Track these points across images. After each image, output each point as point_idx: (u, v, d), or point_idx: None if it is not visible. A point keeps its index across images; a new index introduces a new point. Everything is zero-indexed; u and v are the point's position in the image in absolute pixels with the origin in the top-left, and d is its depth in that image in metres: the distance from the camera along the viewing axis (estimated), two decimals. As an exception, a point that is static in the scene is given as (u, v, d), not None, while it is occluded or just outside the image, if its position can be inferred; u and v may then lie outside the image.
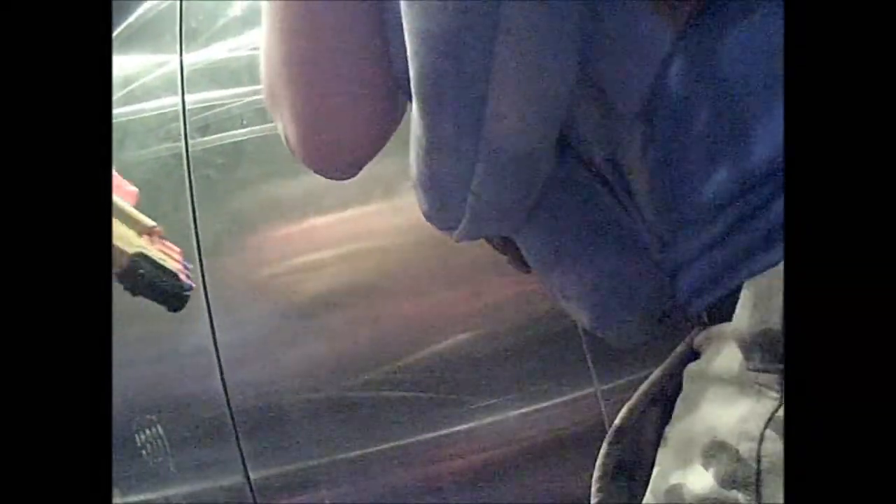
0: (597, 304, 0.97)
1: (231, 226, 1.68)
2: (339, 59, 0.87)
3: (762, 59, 0.73)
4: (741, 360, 0.76)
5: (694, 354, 0.90)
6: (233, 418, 1.65)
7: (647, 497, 0.89)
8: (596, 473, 1.00)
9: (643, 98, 0.80)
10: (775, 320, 0.70)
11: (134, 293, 1.05)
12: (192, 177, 1.69)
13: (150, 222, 1.12)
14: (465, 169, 0.82)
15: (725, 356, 0.80)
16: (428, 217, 0.92)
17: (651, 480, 0.89)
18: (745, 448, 0.73)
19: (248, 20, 1.73)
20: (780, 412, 0.71)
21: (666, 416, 0.92)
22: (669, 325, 0.97)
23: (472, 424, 1.53)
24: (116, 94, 1.85)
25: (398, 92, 0.90)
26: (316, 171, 0.96)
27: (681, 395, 0.90)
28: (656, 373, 0.96)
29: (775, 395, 0.72)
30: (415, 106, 0.80)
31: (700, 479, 0.79)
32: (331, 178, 0.98)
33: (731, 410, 0.77)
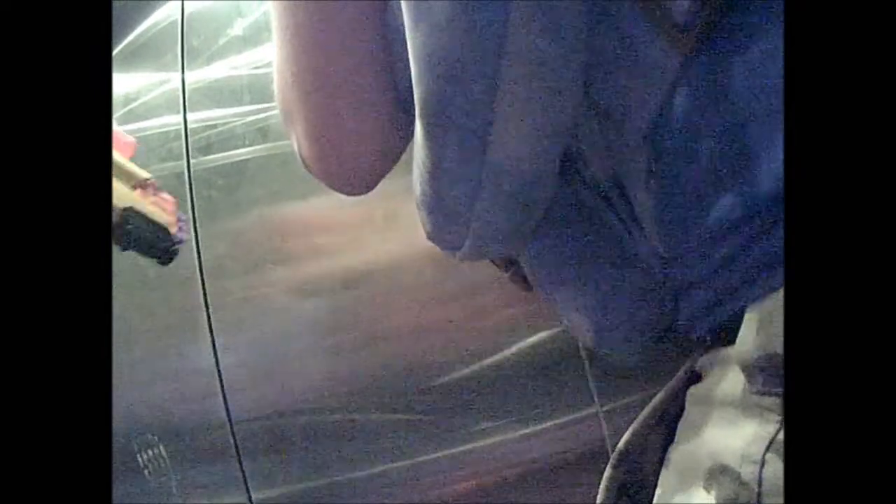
0: (599, 323, 0.97)
1: (233, 247, 1.67)
2: (350, 77, 0.88)
3: (768, 85, 0.73)
4: (744, 384, 0.76)
5: (696, 377, 0.90)
6: (235, 439, 1.64)
7: (651, 519, 0.89)
8: (599, 496, 1.00)
9: (648, 123, 0.80)
10: (778, 344, 0.70)
11: (124, 248, 1.03)
12: (194, 197, 1.68)
13: (144, 174, 1.12)
14: (469, 192, 0.81)
15: (728, 380, 0.80)
16: (431, 238, 0.92)
17: (653, 502, 0.89)
18: (747, 471, 0.73)
19: (250, 39, 1.72)
20: (781, 435, 0.71)
21: (669, 439, 0.92)
22: (671, 346, 0.97)
23: (473, 446, 1.52)
24: (117, 113, 1.85)
25: (408, 110, 0.90)
26: (330, 187, 0.96)
27: (683, 418, 0.90)
28: (659, 395, 0.96)
29: (777, 418, 0.72)
30: (419, 128, 0.80)
31: (702, 502, 0.78)
32: (344, 193, 0.98)
33: (733, 434, 0.77)
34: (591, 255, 0.94)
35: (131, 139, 1.13)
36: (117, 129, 1.12)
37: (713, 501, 0.77)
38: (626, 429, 1.38)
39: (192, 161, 1.71)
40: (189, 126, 1.73)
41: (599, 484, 1.44)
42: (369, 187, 0.97)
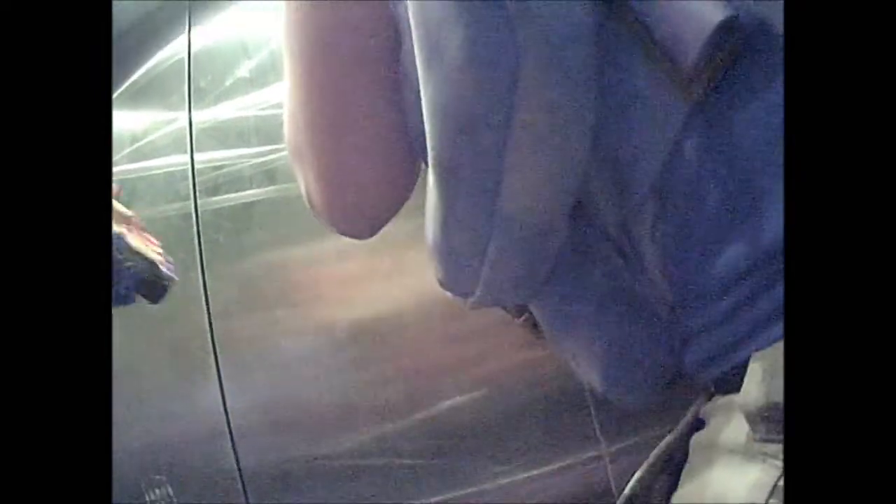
0: (608, 369, 0.97)
1: (240, 290, 1.67)
2: (361, 122, 0.88)
3: (775, 136, 0.73)
4: (748, 431, 0.76)
5: (700, 424, 0.90)
6: (243, 480, 1.64)
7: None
8: (607, 544, 1.00)
9: (656, 172, 0.80)
10: (781, 393, 0.69)
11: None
12: (202, 240, 1.68)
13: (127, 211, 1.11)
14: (480, 240, 0.82)
15: (733, 427, 0.80)
16: (443, 284, 0.92)
17: (658, 548, 0.89)
18: None
19: (256, 81, 1.73)
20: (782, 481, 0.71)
21: (673, 485, 0.92)
22: (678, 392, 0.97)
23: (479, 488, 1.52)
24: (124, 151, 1.86)
25: (416, 156, 0.90)
26: (337, 231, 0.97)
27: (687, 465, 0.90)
28: (664, 442, 0.96)
29: (780, 464, 0.71)
30: (430, 176, 0.81)
31: None
32: (349, 236, 0.99)
33: (738, 480, 0.77)
34: (601, 302, 0.94)
35: (116, 184, 1.12)
36: None
37: (717, 547, 0.77)
38: (632, 471, 1.38)
39: (199, 201, 1.71)
40: (196, 167, 1.73)
41: (605, 526, 1.44)
42: (374, 231, 0.97)
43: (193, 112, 1.77)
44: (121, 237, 1.02)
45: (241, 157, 1.70)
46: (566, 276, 0.94)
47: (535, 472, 1.50)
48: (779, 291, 0.75)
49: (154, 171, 1.80)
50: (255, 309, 1.67)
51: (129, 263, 1.03)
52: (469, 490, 1.53)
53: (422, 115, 0.79)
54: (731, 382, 0.80)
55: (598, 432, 1.46)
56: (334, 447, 1.60)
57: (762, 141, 0.76)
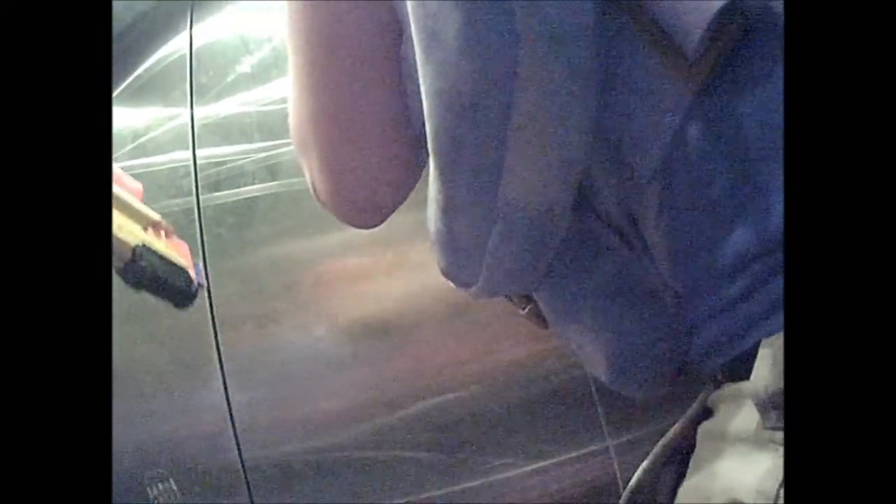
0: (614, 359, 0.96)
1: (243, 285, 1.67)
2: (366, 112, 0.88)
3: (780, 120, 0.73)
4: (758, 420, 0.76)
5: (707, 413, 0.90)
6: (246, 474, 1.64)
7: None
8: (612, 536, 1.00)
9: (660, 158, 0.80)
10: None
11: (138, 288, 0.99)
12: (204, 235, 1.68)
13: (155, 215, 1.07)
14: (482, 228, 0.81)
15: (742, 415, 0.80)
16: (446, 274, 0.92)
17: (665, 539, 0.89)
18: None
19: (258, 76, 1.73)
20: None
21: (680, 475, 0.92)
22: (686, 379, 0.97)
23: (484, 481, 1.52)
24: (125, 148, 1.86)
25: (421, 146, 0.90)
26: (341, 220, 0.96)
27: (695, 454, 0.90)
28: (670, 432, 0.96)
29: None
30: (432, 164, 0.80)
31: None
32: (356, 226, 0.98)
33: (747, 469, 0.77)
34: (606, 291, 0.93)
35: (138, 185, 1.09)
36: (123, 173, 1.09)
37: (726, 537, 0.77)
38: (637, 463, 1.38)
39: (201, 198, 1.70)
40: (198, 163, 1.73)
41: (610, 519, 1.44)
42: (381, 221, 0.97)
43: (195, 108, 1.77)
44: (147, 244, 1.00)
45: (243, 152, 1.69)
46: (570, 266, 0.94)
47: (539, 465, 1.49)
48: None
49: (156, 168, 1.80)
50: (257, 303, 1.67)
51: (157, 271, 1.01)
52: (473, 483, 1.53)
53: (422, 103, 0.78)
54: (740, 369, 0.80)
55: (602, 425, 1.46)
56: (338, 441, 1.60)
57: (767, 126, 0.75)
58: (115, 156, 1.84)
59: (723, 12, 0.73)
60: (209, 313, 1.66)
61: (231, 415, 1.64)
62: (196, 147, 1.74)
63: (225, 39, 1.81)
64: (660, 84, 0.78)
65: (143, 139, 1.83)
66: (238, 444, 1.64)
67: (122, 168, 1.74)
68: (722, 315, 0.83)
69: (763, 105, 0.75)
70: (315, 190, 0.94)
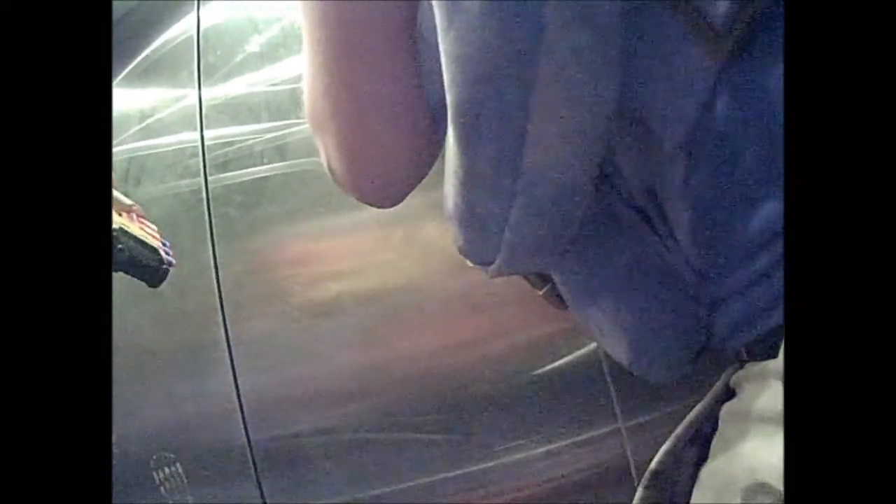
0: (634, 340, 0.95)
1: (251, 265, 1.66)
2: (382, 88, 0.87)
3: None
4: (783, 399, 0.75)
5: (730, 393, 0.89)
6: (253, 457, 1.63)
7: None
8: (632, 516, 0.99)
9: (686, 131, 0.79)
10: None
11: (116, 269, 1.05)
12: (212, 215, 1.68)
13: (127, 201, 1.14)
14: (503, 204, 0.80)
15: (766, 395, 0.79)
16: (463, 252, 0.91)
17: (687, 521, 0.88)
18: None
19: (266, 56, 1.72)
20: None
21: (702, 457, 0.91)
22: (706, 361, 0.96)
23: (495, 463, 1.51)
24: (133, 129, 1.85)
25: (437, 124, 0.89)
26: (359, 199, 0.95)
27: (717, 435, 0.89)
28: (692, 413, 0.95)
29: None
30: (451, 138, 0.79)
31: None
32: (373, 205, 0.97)
33: (771, 450, 0.76)
34: (627, 271, 0.93)
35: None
36: None
37: (751, 519, 0.76)
38: (649, 445, 1.37)
39: (209, 178, 1.70)
40: (206, 143, 1.72)
41: (622, 501, 1.43)
42: (399, 200, 0.96)
43: (203, 88, 1.76)
44: (123, 227, 1.03)
45: (251, 132, 1.68)
46: (590, 245, 0.93)
47: (551, 446, 1.49)
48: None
49: (164, 149, 1.79)
50: (266, 283, 1.66)
51: (132, 252, 1.06)
52: (484, 465, 1.52)
53: (439, 76, 0.77)
54: (765, 348, 0.79)
55: (615, 407, 1.45)
56: (346, 422, 1.59)
57: None
58: (122, 137, 1.83)
59: None
60: (217, 294, 1.65)
61: (239, 397, 1.64)
62: (204, 127, 1.73)
63: (233, 19, 1.79)
64: (686, 56, 0.77)
65: (150, 120, 1.83)
66: (246, 427, 1.64)
67: (130, 149, 1.75)
68: (746, 293, 0.83)
69: None
70: (331, 169, 0.93)
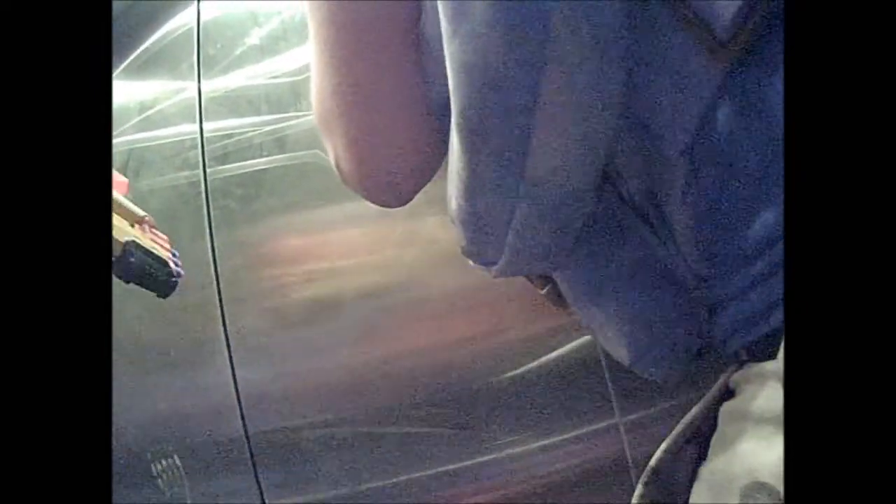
0: (634, 340, 0.96)
1: (250, 258, 1.66)
2: (389, 88, 0.87)
3: None
4: (781, 400, 0.75)
5: (729, 393, 0.90)
6: (251, 449, 1.63)
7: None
8: (630, 515, 0.99)
9: (689, 138, 0.80)
10: None
11: (126, 281, 1.06)
12: (211, 207, 1.67)
13: (140, 212, 1.15)
14: (507, 206, 0.81)
15: (765, 395, 0.80)
16: (466, 253, 0.91)
17: (684, 519, 0.89)
18: None
19: (266, 48, 1.72)
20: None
21: (701, 456, 0.91)
22: (706, 361, 0.97)
23: (492, 457, 1.51)
24: (132, 121, 1.84)
25: (443, 124, 0.89)
26: (366, 199, 0.96)
27: (716, 435, 0.90)
28: (691, 413, 0.96)
29: None
30: (455, 141, 0.79)
31: None
32: (381, 205, 0.98)
33: (770, 450, 0.76)
34: (627, 273, 0.93)
35: (124, 179, 1.20)
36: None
37: (748, 518, 0.77)
38: (647, 441, 1.38)
39: (208, 171, 1.70)
40: (205, 135, 1.72)
41: (619, 497, 1.43)
42: (407, 199, 0.96)
43: (203, 81, 1.76)
44: (136, 240, 1.05)
45: (251, 125, 1.68)
46: (592, 248, 0.93)
47: (548, 441, 1.49)
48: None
49: (163, 141, 1.79)
50: (265, 276, 1.66)
51: (144, 265, 1.07)
52: (482, 459, 1.52)
53: (444, 82, 0.78)
54: (764, 349, 0.80)
55: (613, 402, 1.45)
56: (345, 416, 1.59)
57: None
58: (121, 129, 1.83)
59: None
60: (215, 287, 1.65)
61: (237, 390, 1.64)
62: (203, 119, 1.73)
63: (233, 12, 1.79)
64: (690, 63, 0.77)
65: (150, 112, 1.82)
66: (244, 420, 1.64)
67: (128, 141, 1.74)
68: (746, 294, 0.83)
69: None
70: (339, 168, 0.93)
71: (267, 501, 1.65)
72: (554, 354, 1.48)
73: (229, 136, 1.70)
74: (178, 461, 1.70)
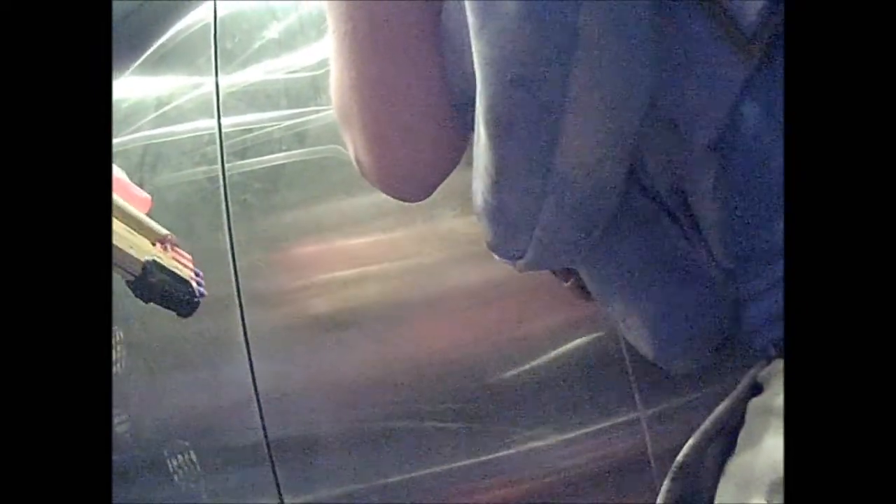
0: (658, 334, 0.96)
1: (269, 252, 1.66)
2: (409, 83, 0.87)
3: None
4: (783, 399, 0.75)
5: (757, 389, 0.89)
6: (268, 444, 1.63)
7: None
8: (657, 510, 0.99)
9: (715, 134, 0.80)
10: None
11: (146, 300, 1.04)
12: (229, 202, 1.67)
13: (163, 230, 1.12)
14: (534, 201, 0.80)
15: None
16: (492, 247, 0.91)
17: (711, 515, 0.89)
18: None
19: (285, 43, 1.72)
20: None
21: (728, 451, 0.91)
22: (730, 355, 0.96)
23: (513, 451, 1.51)
24: (149, 116, 1.85)
25: (464, 118, 0.89)
26: (387, 194, 0.96)
27: (743, 430, 0.89)
28: (719, 408, 0.95)
29: None
30: (482, 136, 0.79)
31: None
32: (401, 199, 0.98)
33: None
34: (652, 267, 0.93)
35: (146, 195, 1.15)
36: (132, 187, 1.13)
37: (775, 513, 0.76)
38: (669, 434, 1.38)
39: (227, 165, 1.70)
40: (224, 130, 1.72)
41: (641, 489, 1.43)
42: (426, 194, 0.96)
43: (221, 75, 1.76)
44: (157, 261, 1.03)
45: (270, 119, 1.68)
46: (617, 241, 0.93)
47: (569, 435, 1.49)
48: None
49: (181, 136, 1.79)
50: (283, 271, 1.66)
51: (165, 286, 1.05)
52: (501, 454, 1.52)
53: (464, 76, 0.78)
54: None
55: (635, 395, 1.45)
56: (363, 411, 1.59)
57: None
58: (138, 124, 1.83)
59: None
60: (234, 283, 1.65)
61: (255, 384, 1.64)
62: (222, 115, 1.73)
63: (251, 6, 1.79)
64: (717, 60, 0.77)
65: (167, 107, 1.82)
66: (262, 415, 1.64)
67: (146, 136, 1.74)
68: (774, 290, 0.83)
69: None
70: (359, 163, 0.93)
71: (284, 496, 1.65)
72: (575, 346, 1.48)
73: (248, 130, 1.70)
74: (194, 456, 1.70)
